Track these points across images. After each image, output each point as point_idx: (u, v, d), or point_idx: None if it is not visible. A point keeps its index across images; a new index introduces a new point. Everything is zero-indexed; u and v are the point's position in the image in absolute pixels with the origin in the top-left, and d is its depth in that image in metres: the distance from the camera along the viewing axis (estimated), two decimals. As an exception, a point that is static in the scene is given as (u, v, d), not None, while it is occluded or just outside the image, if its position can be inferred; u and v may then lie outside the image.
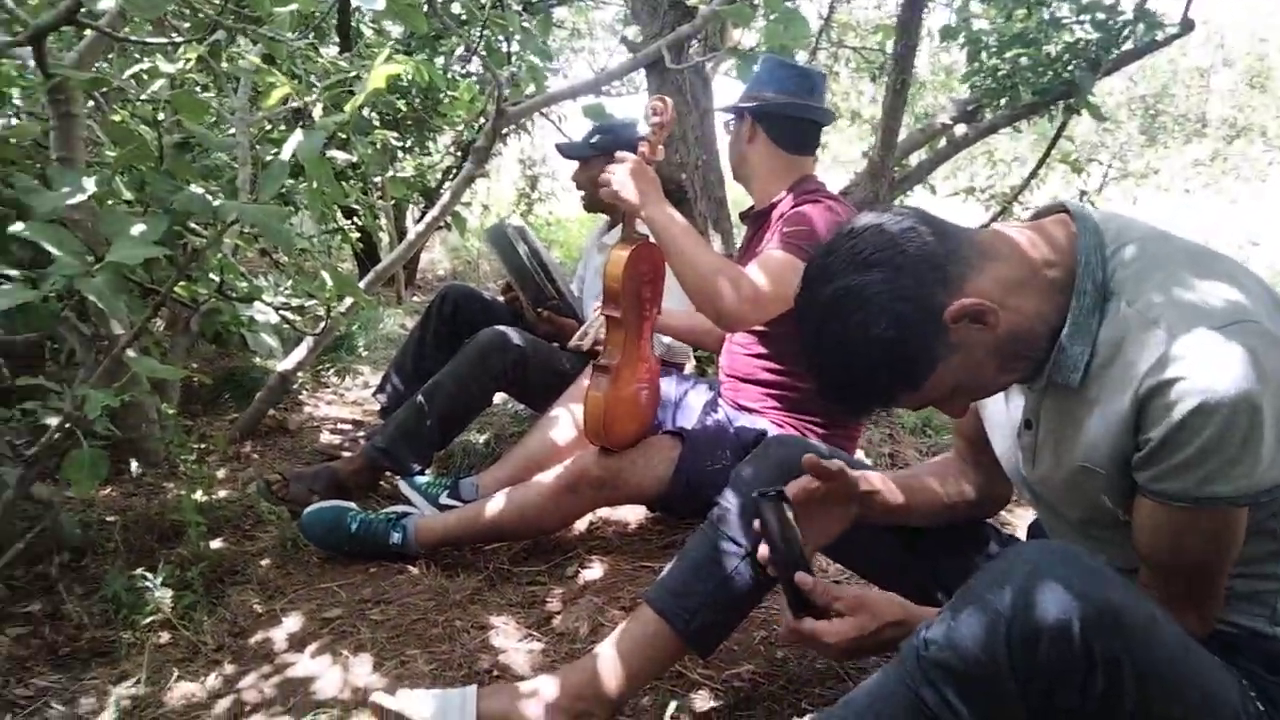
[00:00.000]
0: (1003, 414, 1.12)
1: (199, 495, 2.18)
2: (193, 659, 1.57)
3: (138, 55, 2.63)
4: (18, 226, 1.58)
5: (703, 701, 1.40)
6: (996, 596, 0.81)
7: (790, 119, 1.94)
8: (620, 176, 1.72)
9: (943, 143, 3.26)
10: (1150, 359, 0.86)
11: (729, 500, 1.32)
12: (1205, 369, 0.83)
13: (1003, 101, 3.07)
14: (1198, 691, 0.85)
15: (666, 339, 2.49)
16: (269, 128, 3.11)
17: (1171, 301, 0.88)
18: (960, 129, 3.19)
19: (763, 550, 1.10)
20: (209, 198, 1.99)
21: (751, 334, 1.92)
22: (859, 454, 2.44)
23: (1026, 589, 0.80)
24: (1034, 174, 3.47)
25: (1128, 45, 2.96)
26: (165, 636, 1.64)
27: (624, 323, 1.80)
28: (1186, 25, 3.01)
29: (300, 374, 3.14)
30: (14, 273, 1.80)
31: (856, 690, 0.92)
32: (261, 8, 2.29)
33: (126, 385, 1.79)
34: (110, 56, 2.67)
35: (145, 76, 2.40)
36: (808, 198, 1.87)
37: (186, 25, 2.67)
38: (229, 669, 1.54)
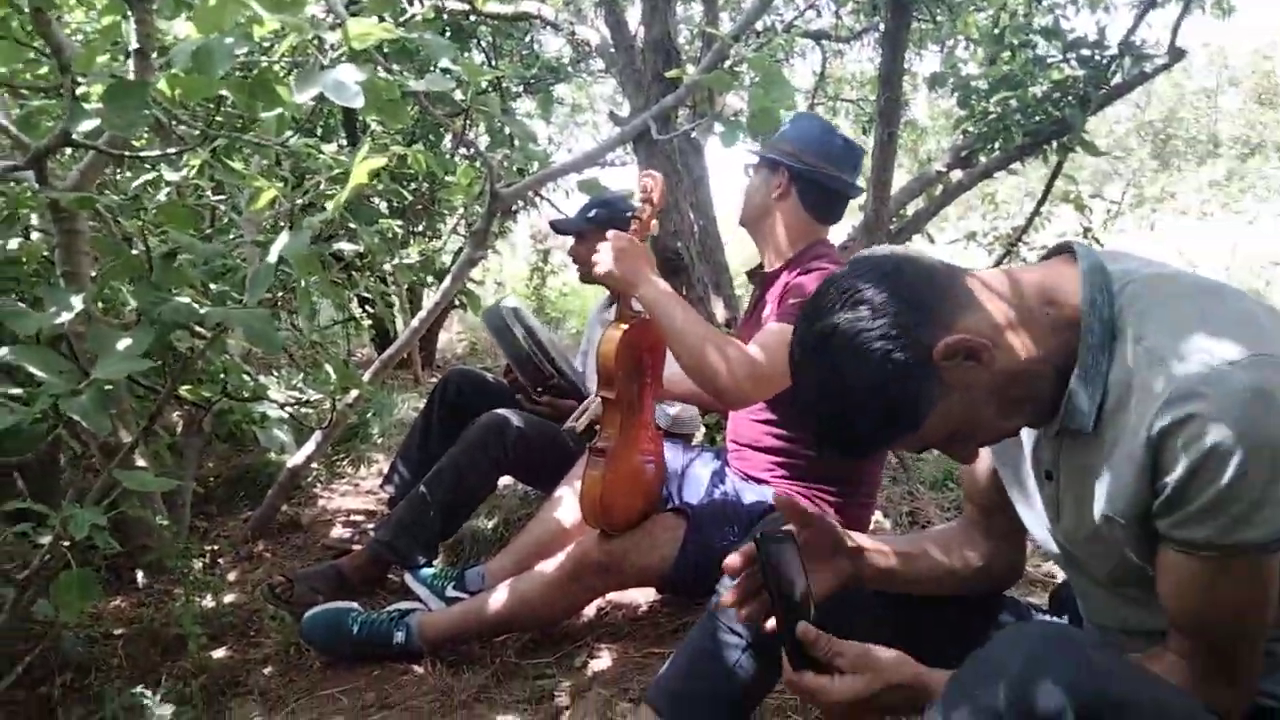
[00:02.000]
0: (1025, 466, 1.07)
1: (207, 602, 2.15)
2: (190, 781, 1.52)
3: (148, 166, 2.68)
4: (1, 351, 1.59)
5: (715, 801, 1.31)
6: (989, 692, 0.74)
7: (829, 190, 1.90)
8: (610, 255, 1.69)
9: (939, 190, 3.23)
10: (1160, 399, 0.82)
11: (727, 589, 1.26)
12: (1218, 406, 0.78)
13: (996, 145, 3.05)
14: None
15: (672, 410, 2.45)
16: (277, 224, 3.15)
17: (1180, 337, 0.83)
18: (955, 175, 3.17)
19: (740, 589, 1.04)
20: (195, 306, 2.00)
21: (758, 400, 1.87)
22: (877, 514, 2.36)
23: (1021, 681, 0.74)
24: (1034, 215, 3.43)
25: (1117, 79, 2.94)
26: (163, 760, 1.59)
27: (620, 403, 1.77)
28: (1175, 54, 2.99)
29: (313, 467, 3.13)
30: (17, 390, 1.81)
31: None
32: (253, 111, 2.32)
33: (119, 500, 1.77)
34: (119, 170, 2.73)
35: (151, 188, 2.44)
36: (814, 265, 1.82)
37: (196, 133, 2.73)
38: (226, 791, 1.49)
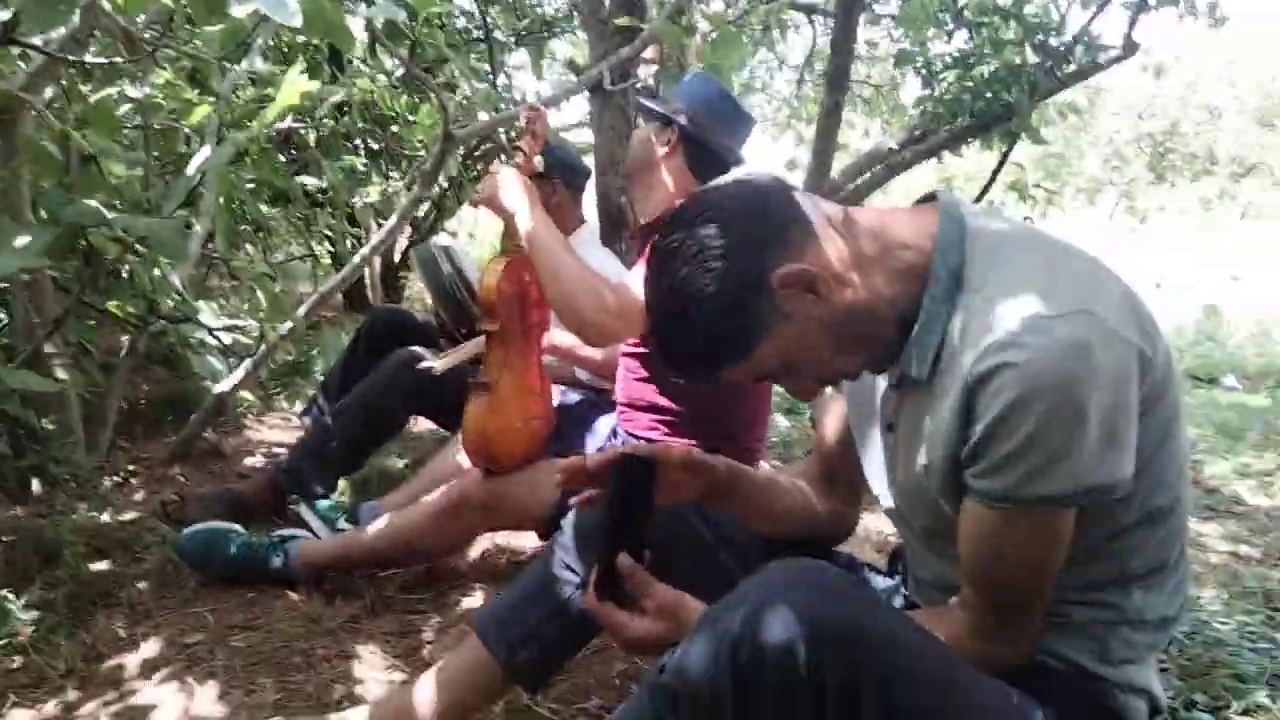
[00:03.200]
0: (873, 418, 1.05)
1: (105, 517, 2.13)
2: (38, 685, 1.51)
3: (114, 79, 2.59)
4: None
5: (546, 739, 1.31)
6: (727, 618, 0.73)
7: (714, 154, 1.86)
8: (493, 186, 1.65)
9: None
10: (982, 344, 0.80)
11: (569, 524, 1.25)
12: (1032, 357, 0.77)
13: (948, 126, 3.01)
14: None
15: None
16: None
17: (1016, 290, 0.82)
18: (906, 154, 3.15)
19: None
20: (103, 210, 1.96)
21: (638, 358, 1.85)
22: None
23: (758, 608, 0.72)
24: (980, 198, 3.38)
25: (1071, 68, 2.90)
26: (18, 661, 1.57)
27: (503, 337, 1.74)
28: (1129, 48, 2.94)
29: (245, 397, 3.10)
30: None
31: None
32: (203, 22, 2.23)
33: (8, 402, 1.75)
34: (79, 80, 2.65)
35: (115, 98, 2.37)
36: None
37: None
38: (71, 696, 1.48)
